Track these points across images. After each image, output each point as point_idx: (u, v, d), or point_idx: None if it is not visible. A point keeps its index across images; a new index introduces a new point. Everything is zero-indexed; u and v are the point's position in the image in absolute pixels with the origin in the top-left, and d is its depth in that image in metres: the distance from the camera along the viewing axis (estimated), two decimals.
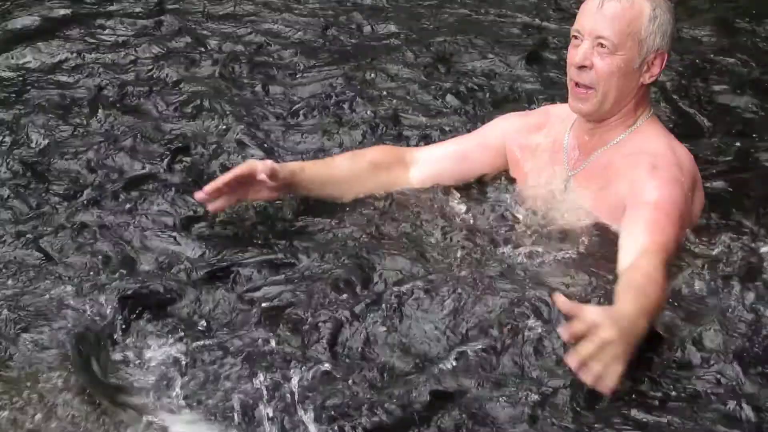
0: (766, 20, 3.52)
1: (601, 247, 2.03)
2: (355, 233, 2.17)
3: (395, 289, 1.94)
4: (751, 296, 1.88)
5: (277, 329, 1.88)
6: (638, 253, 1.81)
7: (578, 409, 1.62)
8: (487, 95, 3.03)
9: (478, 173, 2.31)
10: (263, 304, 1.96)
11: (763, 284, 1.94)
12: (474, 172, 2.31)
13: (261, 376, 1.75)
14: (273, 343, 1.86)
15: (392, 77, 3.25)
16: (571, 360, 1.49)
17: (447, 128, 2.75)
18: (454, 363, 1.76)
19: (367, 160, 2.32)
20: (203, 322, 1.94)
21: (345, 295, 1.96)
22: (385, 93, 3.11)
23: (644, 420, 1.60)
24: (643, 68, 2.02)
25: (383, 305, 1.91)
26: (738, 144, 2.67)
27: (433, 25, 3.83)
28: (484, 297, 1.88)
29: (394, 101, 3.03)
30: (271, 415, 1.68)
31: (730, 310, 1.85)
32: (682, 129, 2.63)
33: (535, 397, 1.65)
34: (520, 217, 2.18)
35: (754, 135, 2.74)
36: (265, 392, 1.72)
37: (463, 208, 2.23)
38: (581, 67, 1.99)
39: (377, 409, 1.63)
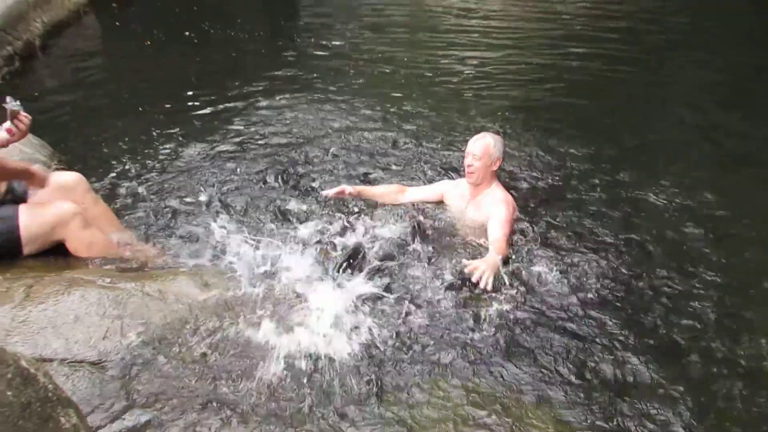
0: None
1: (479, 230, 4.20)
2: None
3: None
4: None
5: None
6: (495, 235, 3.95)
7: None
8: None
9: (432, 201, 4.57)
10: None
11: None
12: (430, 200, 4.58)
13: None
14: None
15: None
16: (474, 277, 3.51)
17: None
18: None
19: (390, 189, 4.67)
20: None
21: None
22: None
23: None
24: (493, 164, 4.23)
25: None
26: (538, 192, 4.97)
27: None
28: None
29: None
30: None
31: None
32: (511, 184, 4.72)
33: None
34: (449, 218, 4.42)
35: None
36: None
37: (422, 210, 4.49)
38: (469, 166, 4.21)
39: None
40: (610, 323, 3.55)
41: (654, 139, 6.05)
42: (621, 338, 3.45)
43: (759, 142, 5.88)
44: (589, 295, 3.75)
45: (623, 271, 4.01)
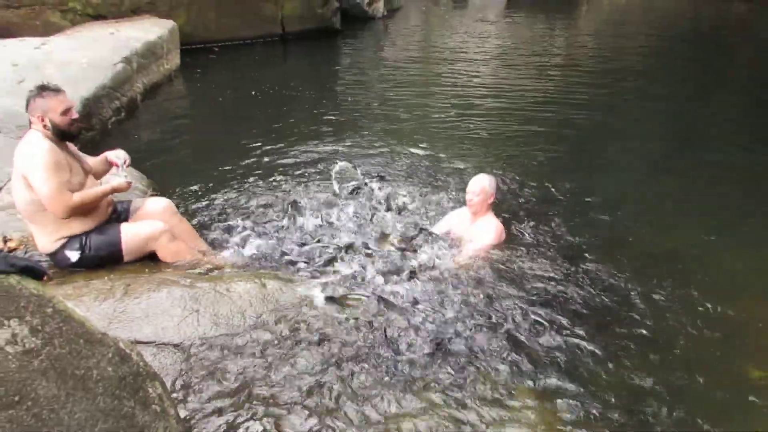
0: None
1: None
2: None
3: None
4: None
5: None
6: (468, 252, 3.93)
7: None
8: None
9: (444, 231, 4.28)
10: None
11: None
12: (443, 229, 4.29)
13: None
14: None
15: None
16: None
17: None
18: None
19: None
20: None
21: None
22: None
23: None
24: (488, 198, 4.10)
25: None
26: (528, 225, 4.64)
27: None
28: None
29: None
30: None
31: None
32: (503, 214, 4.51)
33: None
34: (455, 237, 4.18)
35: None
36: None
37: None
38: (470, 200, 4.11)
39: None
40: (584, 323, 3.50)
41: (613, 166, 6.03)
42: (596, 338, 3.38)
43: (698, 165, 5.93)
44: (568, 304, 3.65)
45: (598, 279, 3.90)
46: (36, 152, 3.17)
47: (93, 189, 3.44)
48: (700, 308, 3.62)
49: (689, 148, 6.68)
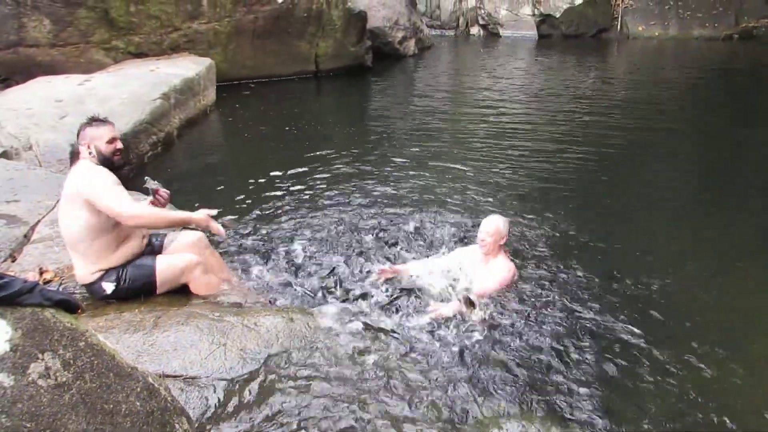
0: None
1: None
2: None
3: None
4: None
5: None
6: (490, 287, 3.99)
7: None
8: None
9: (453, 265, 4.25)
10: None
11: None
12: (452, 265, 4.25)
13: None
14: None
15: None
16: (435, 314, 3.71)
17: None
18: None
19: (419, 262, 4.37)
20: None
21: None
22: None
23: None
24: (500, 240, 4.11)
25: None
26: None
27: None
28: None
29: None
30: None
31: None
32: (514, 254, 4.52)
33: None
34: (468, 275, 4.14)
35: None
36: None
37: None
38: (482, 240, 4.09)
39: None
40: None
41: (641, 211, 5.92)
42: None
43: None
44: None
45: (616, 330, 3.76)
46: (98, 174, 3.30)
47: (168, 211, 3.53)
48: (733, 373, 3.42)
49: (724, 192, 6.46)
